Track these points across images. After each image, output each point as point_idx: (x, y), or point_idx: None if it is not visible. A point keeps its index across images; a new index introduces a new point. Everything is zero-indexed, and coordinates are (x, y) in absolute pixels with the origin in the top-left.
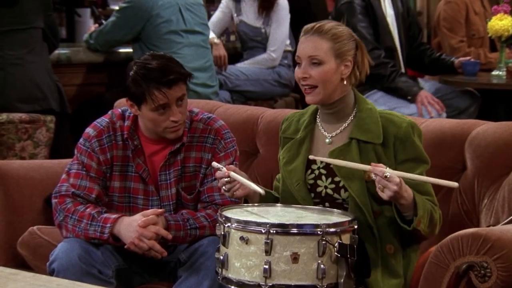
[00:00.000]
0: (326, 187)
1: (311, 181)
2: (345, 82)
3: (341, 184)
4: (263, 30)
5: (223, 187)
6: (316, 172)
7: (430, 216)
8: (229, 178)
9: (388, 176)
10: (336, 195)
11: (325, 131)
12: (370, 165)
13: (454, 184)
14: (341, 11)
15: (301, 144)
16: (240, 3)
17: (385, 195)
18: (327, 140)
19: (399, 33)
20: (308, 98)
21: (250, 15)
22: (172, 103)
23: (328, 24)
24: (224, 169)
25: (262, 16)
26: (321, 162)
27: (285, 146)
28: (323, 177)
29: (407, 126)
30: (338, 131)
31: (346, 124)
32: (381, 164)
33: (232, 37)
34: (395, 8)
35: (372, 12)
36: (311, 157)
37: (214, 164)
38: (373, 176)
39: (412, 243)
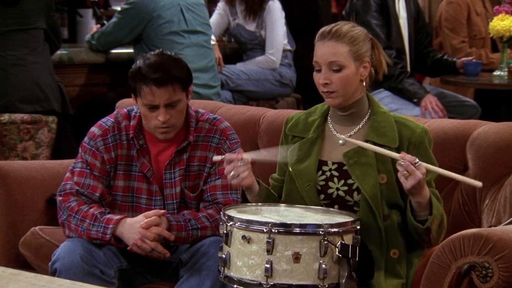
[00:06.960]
0: (338, 189)
1: (322, 183)
2: (364, 83)
3: (354, 187)
4: (258, 34)
5: (232, 172)
6: (328, 173)
7: (441, 219)
8: (241, 161)
9: (418, 163)
10: (348, 197)
11: (337, 132)
12: (396, 156)
13: (479, 183)
14: (356, 7)
15: (312, 144)
16: (235, 7)
17: (408, 183)
18: (340, 142)
19: (409, 36)
20: (328, 101)
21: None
22: (160, 105)
23: (344, 26)
24: (236, 154)
25: (251, 18)
26: (333, 163)
27: (294, 144)
28: (335, 179)
29: (421, 132)
30: (352, 132)
31: (360, 126)
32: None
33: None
34: (408, 11)
35: (387, 11)
36: (344, 138)
37: (216, 157)
38: (401, 161)
39: (417, 249)
